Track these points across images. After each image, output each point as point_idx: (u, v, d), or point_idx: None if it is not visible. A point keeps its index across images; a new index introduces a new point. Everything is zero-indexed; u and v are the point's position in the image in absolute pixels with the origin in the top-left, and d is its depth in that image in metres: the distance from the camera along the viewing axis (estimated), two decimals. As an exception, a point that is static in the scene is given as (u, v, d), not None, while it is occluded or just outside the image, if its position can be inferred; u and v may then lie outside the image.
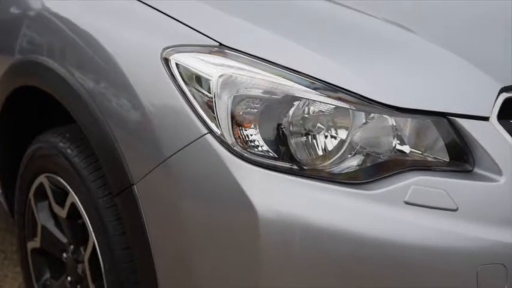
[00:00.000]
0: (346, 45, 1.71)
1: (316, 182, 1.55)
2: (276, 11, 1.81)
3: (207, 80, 1.62)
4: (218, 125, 1.60)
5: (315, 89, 1.59)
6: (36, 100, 2.10)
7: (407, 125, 1.59)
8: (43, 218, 2.10)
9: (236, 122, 1.59)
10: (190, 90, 1.64)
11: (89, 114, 1.80)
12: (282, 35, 1.68)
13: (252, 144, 1.58)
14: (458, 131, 1.57)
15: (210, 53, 1.65)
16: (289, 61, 1.61)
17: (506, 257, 1.52)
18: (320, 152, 1.59)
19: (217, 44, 1.67)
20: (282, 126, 1.58)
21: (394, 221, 1.52)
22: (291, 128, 1.58)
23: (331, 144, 1.58)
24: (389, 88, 1.60)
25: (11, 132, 2.25)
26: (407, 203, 1.53)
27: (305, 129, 1.59)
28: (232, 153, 1.58)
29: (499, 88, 1.61)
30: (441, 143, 1.58)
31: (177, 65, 1.66)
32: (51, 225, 2.09)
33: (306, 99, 1.58)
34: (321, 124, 1.58)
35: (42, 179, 2.05)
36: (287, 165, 1.57)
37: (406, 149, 1.59)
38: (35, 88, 2.01)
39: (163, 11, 1.76)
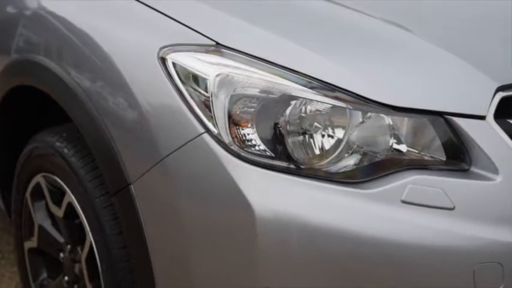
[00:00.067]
0: (344, 44, 1.71)
1: (313, 181, 1.55)
2: (273, 10, 1.81)
3: (204, 79, 1.62)
4: (215, 124, 1.60)
5: (312, 88, 1.59)
6: (33, 99, 2.09)
7: (404, 124, 1.59)
8: (40, 218, 2.10)
9: (233, 121, 1.59)
10: (187, 90, 1.64)
11: (86, 114, 1.80)
12: (279, 35, 1.68)
13: (249, 143, 1.58)
14: (455, 130, 1.58)
15: (207, 52, 1.65)
16: (286, 60, 1.61)
17: (503, 256, 1.52)
18: (317, 151, 1.59)
19: (214, 43, 1.66)
20: (279, 126, 1.58)
21: (391, 220, 1.52)
22: (288, 127, 1.58)
23: (328, 143, 1.58)
24: (386, 87, 1.60)
25: (7, 132, 2.25)
26: (404, 202, 1.53)
27: (302, 128, 1.59)
28: (229, 152, 1.58)
29: (495, 87, 1.61)
30: (438, 142, 1.59)
31: (173, 64, 1.66)
32: (48, 225, 2.08)
33: (303, 98, 1.58)
34: (318, 123, 1.58)
35: (39, 178, 2.05)
36: (284, 164, 1.57)
37: (403, 148, 1.59)
38: (31, 87, 2.01)
39: (160, 10, 1.76)
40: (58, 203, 1.99)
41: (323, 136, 1.58)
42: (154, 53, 1.68)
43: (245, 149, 1.58)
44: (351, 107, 1.57)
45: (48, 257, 2.12)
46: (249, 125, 1.59)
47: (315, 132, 1.58)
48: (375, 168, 1.57)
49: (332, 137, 1.58)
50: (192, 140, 1.61)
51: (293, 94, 1.58)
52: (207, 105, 1.61)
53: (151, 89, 1.68)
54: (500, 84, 1.61)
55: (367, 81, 1.60)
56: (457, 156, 1.58)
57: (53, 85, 1.91)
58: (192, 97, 1.63)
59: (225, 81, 1.61)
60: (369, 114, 1.58)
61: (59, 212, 1.99)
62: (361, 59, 1.65)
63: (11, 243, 2.57)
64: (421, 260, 1.52)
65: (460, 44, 1.73)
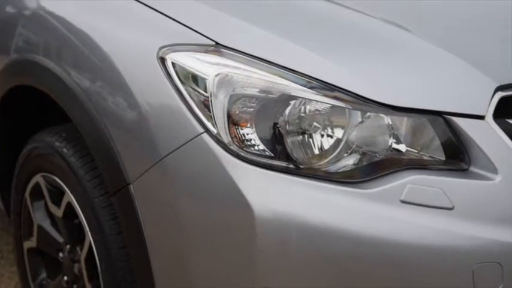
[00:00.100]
0: (343, 44, 1.71)
1: (312, 181, 1.55)
2: (273, 10, 1.81)
3: (203, 79, 1.62)
4: (214, 124, 1.60)
5: (311, 88, 1.59)
6: (33, 99, 2.09)
7: (403, 123, 1.59)
8: (39, 218, 2.10)
9: (232, 121, 1.59)
10: (186, 89, 1.64)
11: (85, 114, 1.80)
12: (278, 34, 1.68)
13: (249, 143, 1.59)
14: (454, 129, 1.58)
15: (206, 52, 1.65)
16: (286, 60, 1.61)
17: (502, 256, 1.52)
18: (316, 151, 1.59)
19: (214, 43, 1.67)
20: (278, 125, 1.59)
21: (390, 220, 1.52)
22: (287, 127, 1.58)
23: (327, 143, 1.58)
24: (385, 87, 1.60)
25: (7, 132, 2.24)
26: (403, 201, 1.53)
27: (301, 128, 1.59)
28: (228, 152, 1.58)
29: (494, 87, 1.61)
30: (437, 142, 1.59)
31: (173, 64, 1.66)
32: (47, 225, 2.08)
33: (302, 98, 1.58)
34: (317, 123, 1.58)
35: (38, 178, 2.05)
36: (283, 164, 1.57)
37: (402, 147, 1.59)
38: (31, 87, 2.01)
39: (160, 10, 1.76)
40: (57, 203, 1.99)
41: (322, 136, 1.58)
42: (154, 53, 1.68)
43: (244, 148, 1.58)
44: (350, 107, 1.57)
45: (48, 256, 2.12)
46: (248, 125, 1.59)
47: (314, 132, 1.58)
48: (374, 168, 1.57)
49: (331, 136, 1.58)
50: (191, 140, 1.61)
51: (292, 94, 1.58)
52: (206, 105, 1.61)
53: (151, 89, 1.68)
54: (499, 84, 1.61)
55: (367, 81, 1.60)
56: (456, 156, 1.58)
57: (52, 85, 1.91)
58: (191, 97, 1.63)
59: (224, 81, 1.61)
60: (368, 114, 1.58)
61: (58, 212, 1.99)
62: (360, 59, 1.65)
63: (10, 243, 2.57)
64: (420, 259, 1.52)
65: (459, 44, 1.73)
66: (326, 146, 1.58)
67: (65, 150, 1.91)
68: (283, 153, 1.58)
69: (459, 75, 1.64)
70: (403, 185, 1.54)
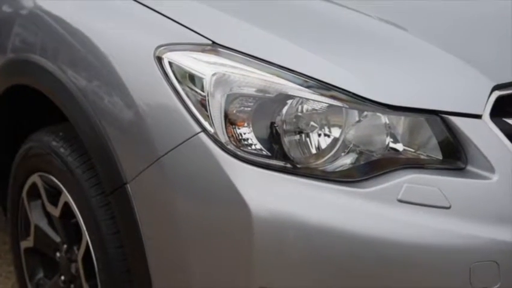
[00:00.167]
0: (340, 43, 1.71)
1: (309, 180, 1.55)
2: (270, 9, 1.81)
3: (200, 79, 1.62)
4: (211, 124, 1.60)
5: (308, 87, 1.59)
6: (30, 99, 2.09)
7: (401, 123, 1.59)
8: (36, 217, 2.09)
9: (229, 121, 1.59)
10: (183, 89, 1.63)
11: (82, 113, 1.79)
12: (275, 34, 1.68)
13: (246, 142, 1.58)
14: (451, 129, 1.58)
15: (203, 51, 1.65)
16: (283, 59, 1.61)
17: (499, 254, 1.52)
18: (313, 151, 1.59)
19: (211, 42, 1.66)
20: (276, 125, 1.58)
21: (388, 219, 1.52)
22: (284, 127, 1.58)
23: (324, 142, 1.58)
24: (382, 86, 1.60)
25: (4, 131, 2.24)
26: (400, 201, 1.53)
27: (298, 127, 1.59)
28: (225, 151, 1.58)
29: (491, 86, 1.61)
30: (434, 141, 1.59)
31: (170, 63, 1.66)
32: (44, 225, 2.08)
33: (300, 97, 1.58)
34: (314, 122, 1.58)
35: (35, 178, 2.05)
36: (280, 163, 1.57)
37: (399, 147, 1.59)
38: (28, 87, 2.01)
39: (157, 9, 1.76)
40: (54, 203, 1.99)
41: (319, 135, 1.58)
42: (151, 52, 1.68)
43: (241, 148, 1.58)
44: (347, 106, 1.57)
45: (45, 256, 2.12)
46: (246, 124, 1.59)
47: (312, 131, 1.58)
48: (371, 167, 1.57)
49: (328, 136, 1.58)
50: (188, 139, 1.61)
51: (289, 93, 1.58)
52: (203, 105, 1.61)
53: (148, 88, 1.68)
54: (496, 83, 1.62)
55: (364, 81, 1.60)
56: (453, 155, 1.58)
57: (49, 84, 1.91)
58: (188, 96, 1.63)
59: (221, 81, 1.61)
60: (365, 113, 1.58)
61: (55, 212, 1.99)
62: (357, 58, 1.65)
63: (7, 243, 2.57)
64: (417, 258, 1.52)
65: (456, 43, 1.73)
66: (323, 146, 1.58)
67: (61, 149, 1.91)
68: (280, 152, 1.58)
69: (456, 74, 1.65)
70: (400, 184, 1.54)
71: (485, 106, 1.59)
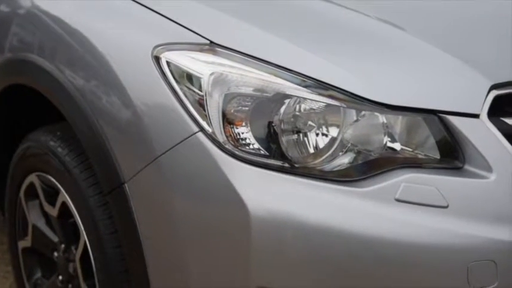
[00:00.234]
0: (338, 43, 1.71)
1: (307, 180, 1.55)
2: (267, 9, 1.81)
3: (198, 78, 1.62)
4: (209, 123, 1.60)
5: (306, 87, 1.59)
6: (27, 98, 2.09)
7: (398, 122, 1.59)
8: (34, 217, 2.09)
9: (227, 120, 1.59)
10: (181, 89, 1.63)
11: (80, 113, 1.79)
12: (273, 33, 1.68)
13: (243, 142, 1.58)
14: (448, 128, 1.58)
15: (201, 51, 1.65)
16: (280, 59, 1.61)
17: (497, 254, 1.52)
18: (311, 150, 1.59)
19: (208, 42, 1.66)
20: (273, 124, 1.58)
21: (385, 218, 1.52)
22: (282, 126, 1.58)
23: (322, 142, 1.58)
24: (380, 86, 1.60)
25: (0, 131, 2.24)
26: (398, 200, 1.53)
27: (296, 127, 1.59)
28: (223, 151, 1.58)
29: (489, 85, 1.61)
30: (432, 141, 1.59)
31: (168, 63, 1.66)
32: (42, 224, 2.08)
33: (297, 97, 1.58)
34: (312, 122, 1.58)
35: (32, 178, 2.05)
36: (278, 163, 1.57)
37: (397, 146, 1.59)
38: (25, 86, 2.01)
39: (155, 9, 1.76)
40: (52, 202, 1.99)
41: (317, 135, 1.59)
42: (148, 52, 1.68)
43: (239, 147, 1.58)
44: (345, 106, 1.58)
45: (42, 256, 2.12)
46: (243, 124, 1.59)
47: (309, 130, 1.58)
48: (369, 166, 1.57)
49: (326, 135, 1.58)
50: (186, 139, 1.61)
51: (287, 93, 1.58)
52: (201, 104, 1.61)
53: (145, 87, 1.68)
54: (493, 83, 1.62)
55: (361, 80, 1.60)
56: (451, 154, 1.58)
57: (46, 84, 1.91)
58: (186, 96, 1.63)
59: (219, 80, 1.61)
60: (363, 112, 1.58)
61: (53, 211, 1.99)
62: (355, 58, 1.65)
63: (4, 243, 2.56)
64: (415, 258, 1.52)
65: (454, 43, 1.73)
66: (321, 145, 1.58)
67: (59, 149, 1.91)
68: (278, 152, 1.58)
69: (454, 73, 1.65)
70: (397, 184, 1.54)
71: (482, 105, 1.59)
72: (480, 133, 1.58)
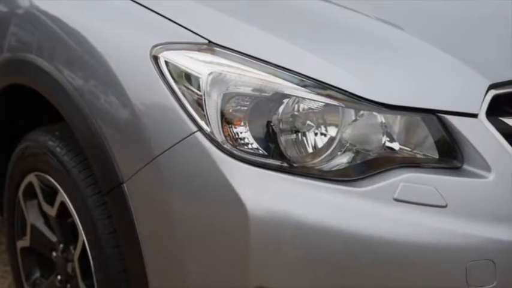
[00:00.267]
0: (337, 43, 1.71)
1: (306, 180, 1.55)
2: (266, 9, 1.81)
3: (197, 78, 1.62)
4: (208, 123, 1.60)
5: (304, 86, 1.59)
6: (26, 98, 2.09)
7: (397, 122, 1.59)
8: (32, 217, 2.09)
9: (226, 120, 1.59)
10: (179, 88, 1.63)
11: (78, 112, 1.79)
12: (272, 33, 1.68)
13: (242, 142, 1.58)
14: (447, 128, 1.58)
15: (200, 50, 1.65)
16: (279, 59, 1.61)
17: (496, 253, 1.52)
18: (310, 150, 1.59)
19: (207, 41, 1.66)
20: (272, 124, 1.59)
21: (384, 218, 1.52)
22: (280, 126, 1.58)
23: (320, 141, 1.58)
24: (379, 85, 1.60)
25: (0, 131, 2.24)
26: (396, 199, 1.53)
27: (295, 126, 1.59)
28: (222, 151, 1.58)
29: (487, 85, 1.61)
30: (430, 140, 1.59)
31: (166, 62, 1.66)
32: (40, 224, 2.08)
33: (296, 96, 1.58)
34: (311, 121, 1.58)
35: (31, 177, 2.04)
36: (277, 162, 1.57)
37: (396, 146, 1.59)
38: (24, 86, 2.00)
39: (153, 9, 1.76)
40: (51, 202, 1.99)
41: (316, 134, 1.59)
42: (147, 51, 1.68)
43: (238, 147, 1.58)
44: (344, 105, 1.58)
45: (41, 256, 2.11)
46: (242, 124, 1.59)
47: (308, 130, 1.58)
48: (367, 166, 1.57)
49: (325, 135, 1.58)
50: (184, 138, 1.61)
51: (286, 92, 1.58)
52: (199, 104, 1.61)
53: (144, 87, 1.68)
54: (492, 82, 1.62)
55: (360, 80, 1.60)
56: (450, 154, 1.58)
57: (45, 84, 1.91)
58: (184, 96, 1.63)
59: (217, 80, 1.61)
60: (362, 112, 1.58)
61: (52, 211, 1.99)
62: (354, 58, 1.65)
63: (3, 243, 2.56)
64: (413, 257, 1.52)
65: (453, 43, 1.73)
66: (319, 145, 1.58)
67: (58, 149, 1.90)
68: (276, 151, 1.58)
69: (452, 73, 1.65)
70: (396, 183, 1.54)
71: (481, 105, 1.59)
72: (479, 133, 1.58)
